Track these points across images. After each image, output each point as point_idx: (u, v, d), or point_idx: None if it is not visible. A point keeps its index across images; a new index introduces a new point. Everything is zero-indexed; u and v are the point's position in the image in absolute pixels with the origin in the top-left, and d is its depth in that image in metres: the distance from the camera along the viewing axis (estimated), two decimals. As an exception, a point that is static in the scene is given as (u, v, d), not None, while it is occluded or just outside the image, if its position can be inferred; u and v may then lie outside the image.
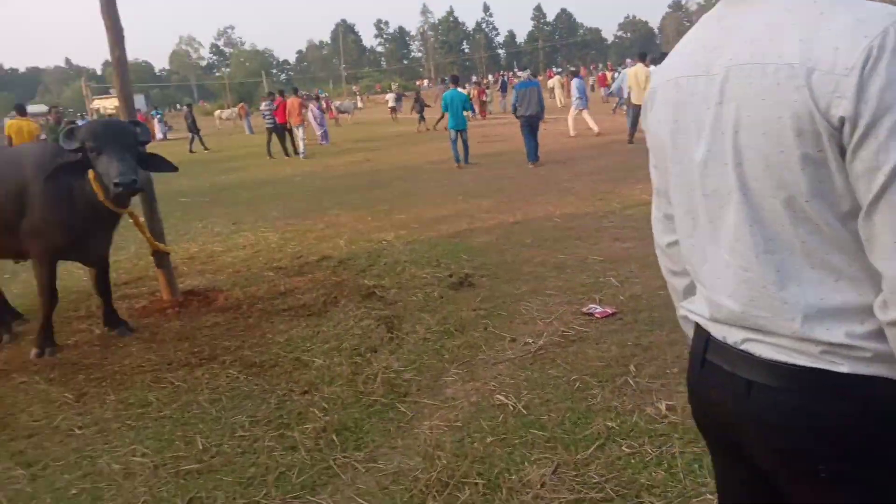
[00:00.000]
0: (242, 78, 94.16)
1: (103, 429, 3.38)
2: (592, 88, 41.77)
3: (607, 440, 2.89)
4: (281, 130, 18.15)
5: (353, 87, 70.72)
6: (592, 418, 3.08)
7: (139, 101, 64.51)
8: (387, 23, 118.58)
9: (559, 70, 46.97)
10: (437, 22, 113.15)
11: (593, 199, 8.26)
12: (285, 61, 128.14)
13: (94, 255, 4.67)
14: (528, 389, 3.45)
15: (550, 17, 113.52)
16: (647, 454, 2.73)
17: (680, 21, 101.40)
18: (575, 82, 16.99)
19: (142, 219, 5.18)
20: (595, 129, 16.16)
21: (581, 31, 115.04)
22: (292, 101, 17.70)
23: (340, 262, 6.28)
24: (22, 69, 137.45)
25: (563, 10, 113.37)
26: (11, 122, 12.70)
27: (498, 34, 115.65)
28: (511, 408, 3.25)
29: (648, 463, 2.67)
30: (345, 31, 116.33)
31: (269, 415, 3.41)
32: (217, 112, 44.59)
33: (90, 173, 4.21)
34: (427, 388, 3.59)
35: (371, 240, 7.08)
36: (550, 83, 40.26)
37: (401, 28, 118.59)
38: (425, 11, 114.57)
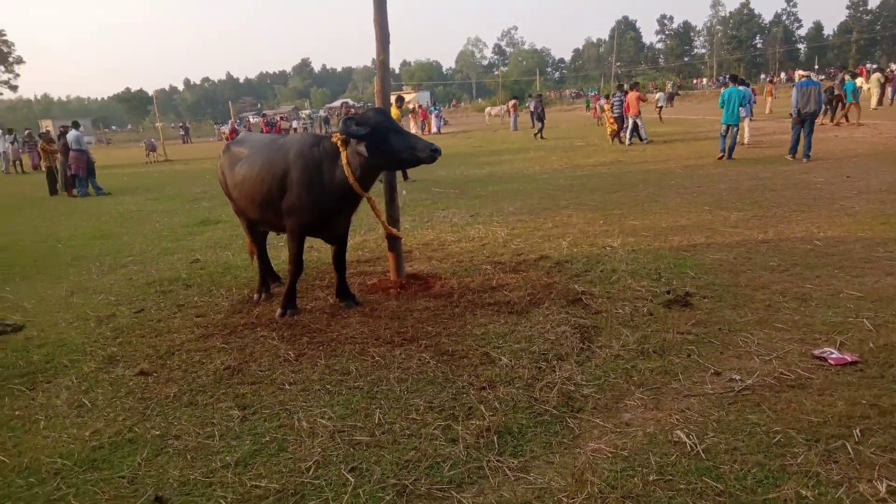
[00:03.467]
0: (517, 76, 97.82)
1: (306, 388, 3.83)
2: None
3: (794, 511, 2.43)
4: (623, 120, 20.02)
5: (624, 85, 68.80)
6: (784, 481, 2.61)
7: (424, 97, 71.21)
8: (671, 18, 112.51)
9: (874, 67, 40.00)
10: (727, 15, 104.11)
11: (873, 223, 6.91)
12: (561, 59, 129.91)
13: (335, 234, 5.27)
14: (715, 432, 3.04)
15: (873, 4, 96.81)
16: (840, 541, 2.23)
17: None
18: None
19: (382, 206, 5.69)
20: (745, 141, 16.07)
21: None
22: (632, 95, 19.37)
23: (558, 263, 6.20)
24: (339, 68, 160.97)
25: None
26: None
27: (801, 26, 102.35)
28: (689, 448, 2.91)
29: (840, 552, 2.19)
30: (625, 27, 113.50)
31: (444, 404, 3.52)
32: (487, 109, 46.97)
33: (343, 157, 4.76)
34: (603, 409, 3.38)
35: (595, 244, 6.85)
36: (859, 82, 34.77)
37: (685, 23, 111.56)
38: (716, 4, 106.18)
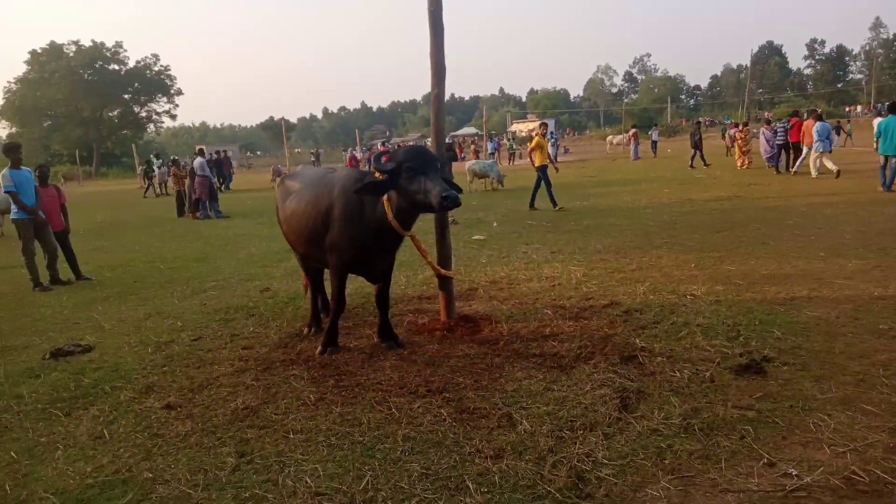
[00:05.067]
0: (647, 104, 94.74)
1: (310, 439, 3.63)
2: None
3: None
4: (789, 147, 18.74)
5: (766, 114, 64.31)
6: None
7: (551, 124, 70.99)
8: (822, 42, 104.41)
9: None
10: (891, 37, 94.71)
11: None
12: (696, 86, 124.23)
13: (376, 272, 5.09)
14: (745, 546, 2.47)
15: None
16: None
17: None
18: (816, 126, 16.47)
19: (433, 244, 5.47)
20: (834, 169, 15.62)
21: None
22: (808, 124, 17.42)
23: (626, 311, 5.63)
24: (466, 97, 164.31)
25: None
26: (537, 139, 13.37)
27: None
28: (703, 565, 2.37)
29: None
30: (769, 53, 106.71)
31: (441, 472, 3.18)
32: (609, 137, 45.71)
33: (384, 195, 4.59)
34: (616, 497, 2.88)
35: (675, 291, 6.17)
36: None
37: (839, 47, 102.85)
38: (877, 26, 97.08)
